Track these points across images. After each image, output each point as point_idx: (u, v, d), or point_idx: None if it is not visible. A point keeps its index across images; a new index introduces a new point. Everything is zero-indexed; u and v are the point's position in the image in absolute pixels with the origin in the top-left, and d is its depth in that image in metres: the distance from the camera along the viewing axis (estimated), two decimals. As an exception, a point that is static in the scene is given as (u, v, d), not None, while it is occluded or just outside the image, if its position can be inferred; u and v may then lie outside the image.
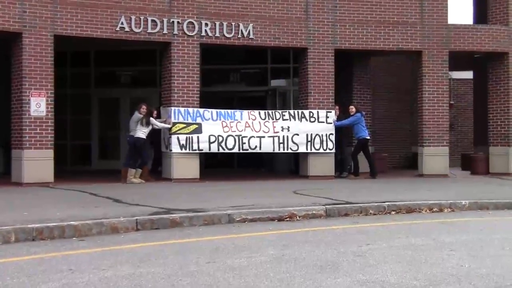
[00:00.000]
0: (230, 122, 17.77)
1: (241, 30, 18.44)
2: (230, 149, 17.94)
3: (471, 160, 21.53)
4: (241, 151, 18.06)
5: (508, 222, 12.19)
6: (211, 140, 17.62)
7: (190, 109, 17.70)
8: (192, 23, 18.08)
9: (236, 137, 17.72)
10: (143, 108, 17.40)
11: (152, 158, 19.14)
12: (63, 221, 10.27)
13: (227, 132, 17.72)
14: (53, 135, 16.80)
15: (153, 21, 17.75)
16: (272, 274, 7.66)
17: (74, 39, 17.28)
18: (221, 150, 17.94)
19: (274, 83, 22.67)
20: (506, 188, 17.30)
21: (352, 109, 19.28)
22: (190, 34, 18.11)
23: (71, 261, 8.35)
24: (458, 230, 11.20)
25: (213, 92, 20.94)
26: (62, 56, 17.43)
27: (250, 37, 18.56)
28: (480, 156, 21.32)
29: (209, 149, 17.76)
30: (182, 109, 17.67)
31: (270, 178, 18.99)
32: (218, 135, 17.67)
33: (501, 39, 21.01)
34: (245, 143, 17.76)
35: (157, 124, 17.55)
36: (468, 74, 24.37)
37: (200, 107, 18.15)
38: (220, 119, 17.79)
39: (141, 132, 17.28)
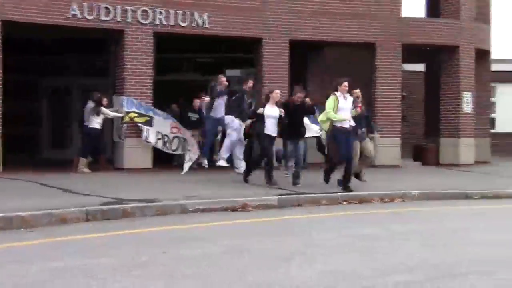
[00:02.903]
0: (178, 125, 17.62)
1: (196, 19, 18.24)
2: (174, 150, 17.67)
3: (422, 151, 21.71)
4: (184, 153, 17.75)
5: (458, 212, 12.32)
6: (158, 137, 17.39)
7: (143, 103, 17.48)
8: (146, 11, 17.81)
9: (182, 139, 17.55)
10: (96, 97, 17.10)
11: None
12: (11, 212, 10.01)
13: (174, 133, 17.52)
14: (0, 123, 16.40)
15: (106, 8, 17.43)
16: (226, 264, 7.60)
17: (24, 25, 16.88)
18: (165, 150, 17.65)
19: (229, 73, 22.53)
20: (455, 178, 17.50)
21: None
22: (144, 22, 17.84)
23: (19, 252, 8.16)
24: (410, 219, 11.30)
25: (167, 81, 20.69)
26: (11, 43, 16.97)
27: (205, 26, 18.37)
28: (431, 147, 21.51)
29: (156, 144, 17.48)
30: (135, 100, 17.42)
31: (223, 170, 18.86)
32: (165, 135, 17.44)
33: (453, 33, 21.20)
34: (190, 150, 17.48)
35: (109, 113, 17.26)
36: (420, 67, 24.56)
37: (154, 96, 17.95)
38: (169, 120, 17.62)
39: (95, 122, 16.99)
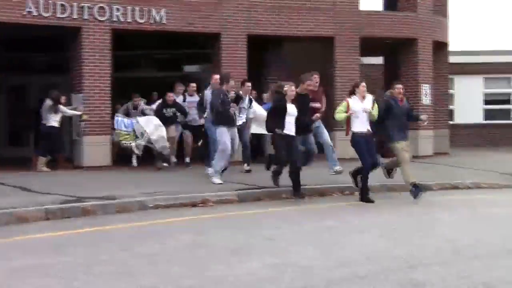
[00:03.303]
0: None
1: (154, 16, 18.22)
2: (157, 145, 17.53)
3: (382, 144, 21.91)
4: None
5: (417, 204, 12.47)
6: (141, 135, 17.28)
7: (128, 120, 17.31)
8: (103, 8, 17.76)
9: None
10: (54, 95, 16.99)
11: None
12: (-31, 211, 9.96)
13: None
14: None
15: (62, 5, 17.32)
16: (186, 260, 7.67)
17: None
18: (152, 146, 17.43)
19: (188, 69, 22.54)
20: (414, 170, 17.66)
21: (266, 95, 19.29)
22: (101, 19, 17.78)
23: (-23, 252, 8.13)
24: (369, 212, 11.43)
25: (125, 78, 20.63)
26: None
27: (162, 22, 18.36)
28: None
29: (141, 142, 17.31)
30: (126, 120, 17.29)
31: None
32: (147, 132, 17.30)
33: (411, 26, 21.46)
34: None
35: (67, 111, 17.17)
36: (379, 60, 24.79)
37: (112, 93, 17.92)
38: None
39: (53, 120, 16.89)
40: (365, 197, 12.49)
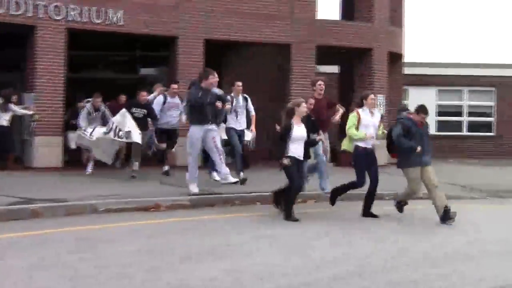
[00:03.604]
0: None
1: (110, 16, 18.06)
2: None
3: (335, 152, 22.02)
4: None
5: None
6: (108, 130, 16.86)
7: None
8: (58, 7, 17.53)
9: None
10: (4, 93, 16.69)
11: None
12: None
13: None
14: None
15: (16, 3, 17.06)
16: (138, 265, 7.60)
17: None
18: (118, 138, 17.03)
19: (144, 71, 22.39)
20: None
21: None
22: (57, 18, 17.55)
23: None
24: (322, 219, 11.43)
25: (80, 79, 20.40)
26: None
27: (119, 24, 18.21)
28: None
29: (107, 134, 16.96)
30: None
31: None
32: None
33: (366, 36, 21.65)
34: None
35: (17, 110, 16.89)
36: (335, 69, 24.95)
37: (66, 94, 17.69)
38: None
39: (3, 119, 16.60)
40: (368, 212, 11.86)
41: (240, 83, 15.16)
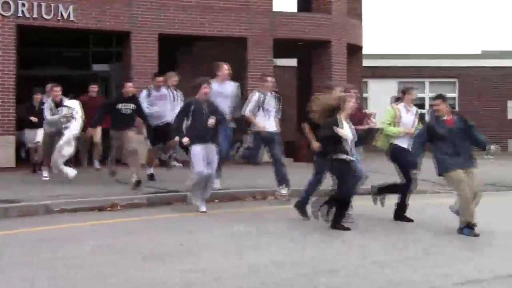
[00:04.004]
0: None
1: (61, 12, 18.11)
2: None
3: (294, 147, 22.29)
4: None
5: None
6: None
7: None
8: (8, 3, 17.55)
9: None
10: None
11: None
12: None
13: None
14: None
15: (-37, -1, 17.09)
16: (94, 266, 7.71)
17: None
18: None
19: (96, 67, 22.42)
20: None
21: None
22: (6, 14, 17.57)
23: None
24: (281, 218, 11.61)
25: (32, 76, 20.40)
26: None
27: (70, 19, 18.27)
28: (303, 144, 21.97)
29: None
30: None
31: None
32: None
33: (324, 28, 21.87)
34: None
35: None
36: (293, 62, 25.16)
37: (17, 91, 17.72)
38: None
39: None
40: (403, 217, 11.12)
41: (271, 79, 13.29)
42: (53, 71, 21.55)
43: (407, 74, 29.07)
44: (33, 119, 16.08)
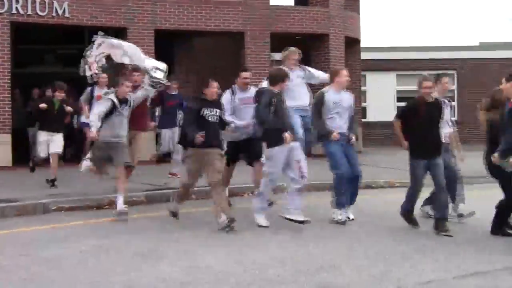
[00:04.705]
0: None
1: (56, 8, 18.00)
2: None
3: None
4: None
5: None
6: None
7: None
8: (1, 0, 17.45)
9: None
10: None
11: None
12: None
13: None
14: None
15: (-43, -4, 16.99)
16: (92, 265, 7.70)
17: None
18: None
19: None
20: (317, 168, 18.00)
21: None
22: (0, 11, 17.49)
23: None
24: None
25: (27, 74, 20.31)
26: None
27: (65, 15, 18.17)
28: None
29: None
30: None
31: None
32: None
33: (322, 21, 21.83)
34: None
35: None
36: (291, 55, 25.04)
37: (13, 89, 17.63)
38: None
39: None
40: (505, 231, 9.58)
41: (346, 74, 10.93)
42: (48, 69, 21.47)
43: (405, 67, 29.02)
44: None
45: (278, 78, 10.17)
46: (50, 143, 13.44)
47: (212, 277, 7.14)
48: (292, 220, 9.80)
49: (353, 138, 10.52)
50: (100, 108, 11.10)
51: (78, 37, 20.97)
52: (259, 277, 7.14)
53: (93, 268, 7.51)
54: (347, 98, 10.64)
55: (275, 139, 9.82)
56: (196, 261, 7.86)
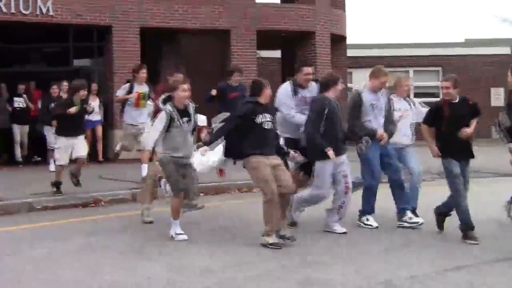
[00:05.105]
0: None
1: (40, 7, 17.93)
2: None
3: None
4: None
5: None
6: None
7: None
8: (-15, -1, 17.40)
9: None
10: None
11: None
12: None
13: None
14: None
15: None
16: (79, 263, 7.66)
17: None
18: None
19: (78, 62, 22.22)
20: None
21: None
22: (-18, 10, 17.43)
23: None
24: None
25: (11, 73, 20.19)
26: None
27: (49, 14, 18.10)
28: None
29: None
30: None
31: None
32: None
33: (308, 19, 21.83)
34: None
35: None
36: (277, 53, 25.10)
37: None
38: None
39: None
40: None
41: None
42: (33, 68, 21.39)
43: (391, 64, 29.03)
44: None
45: (330, 81, 9.41)
46: (74, 147, 12.06)
47: (197, 274, 7.13)
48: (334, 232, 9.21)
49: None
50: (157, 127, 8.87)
51: (63, 35, 20.90)
52: (247, 274, 7.13)
53: (80, 267, 7.48)
54: (383, 98, 9.92)
55: (321, 153, 9.10)
56: (183, 259, 7.86)
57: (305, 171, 9.84)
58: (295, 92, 9.89)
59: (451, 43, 31.27)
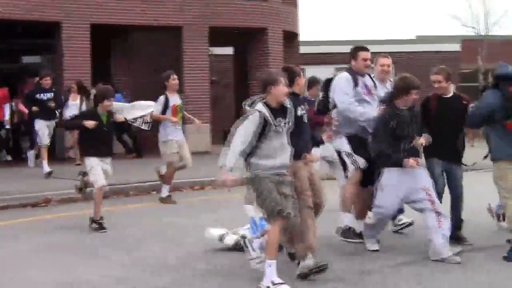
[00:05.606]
0: None
1: (-16, 2, 17.63)
2: None
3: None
4: None
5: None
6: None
7: None
8: None
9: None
10: None
11: None
12: None
13: None
14: None
15: None
16: (34, 264, 7.64)
17: None
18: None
19: (26, 59, 21.94)
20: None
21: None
22: None
23: None
24: (221, 207, 11.53)
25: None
26: None
27: (-3, 10, 17.82)
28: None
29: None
30: None
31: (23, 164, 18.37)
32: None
33: (260, 15, 21.84)
34: None
35: None
36: (229, 50, 25.09)
37: None
38: None
39: None
40: None
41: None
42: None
43: (344, 60, 29.11)
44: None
45: (400, 89, 8.02)
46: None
47: (152, 271, 7.14)
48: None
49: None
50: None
51: (12, 32, 20.60)
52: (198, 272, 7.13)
53: (35, 267, 7.44)
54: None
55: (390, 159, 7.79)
56: (137, 255, 7.89)
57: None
58: (356, 83, 8.73)
59: (403, 40, 31.61)
